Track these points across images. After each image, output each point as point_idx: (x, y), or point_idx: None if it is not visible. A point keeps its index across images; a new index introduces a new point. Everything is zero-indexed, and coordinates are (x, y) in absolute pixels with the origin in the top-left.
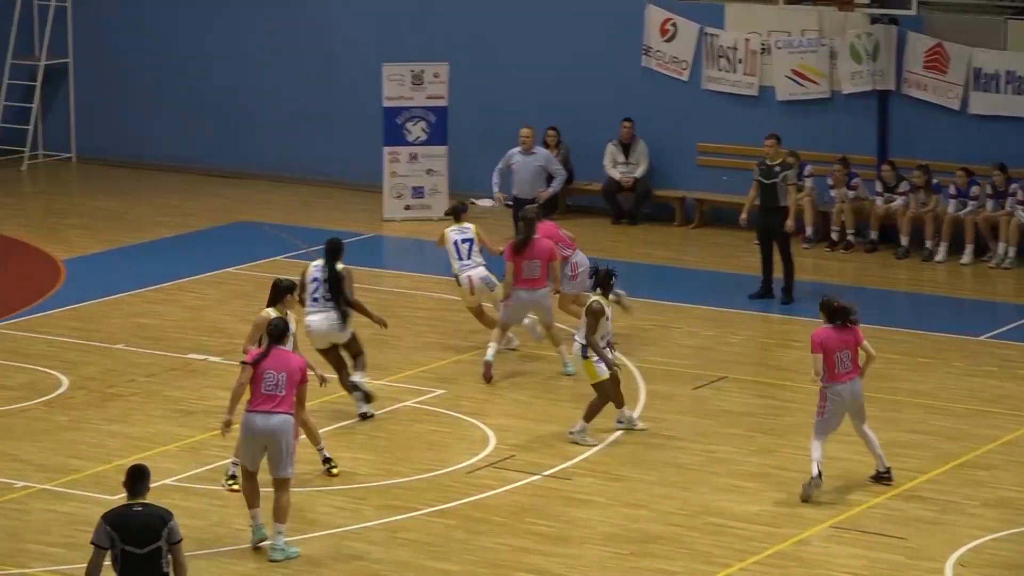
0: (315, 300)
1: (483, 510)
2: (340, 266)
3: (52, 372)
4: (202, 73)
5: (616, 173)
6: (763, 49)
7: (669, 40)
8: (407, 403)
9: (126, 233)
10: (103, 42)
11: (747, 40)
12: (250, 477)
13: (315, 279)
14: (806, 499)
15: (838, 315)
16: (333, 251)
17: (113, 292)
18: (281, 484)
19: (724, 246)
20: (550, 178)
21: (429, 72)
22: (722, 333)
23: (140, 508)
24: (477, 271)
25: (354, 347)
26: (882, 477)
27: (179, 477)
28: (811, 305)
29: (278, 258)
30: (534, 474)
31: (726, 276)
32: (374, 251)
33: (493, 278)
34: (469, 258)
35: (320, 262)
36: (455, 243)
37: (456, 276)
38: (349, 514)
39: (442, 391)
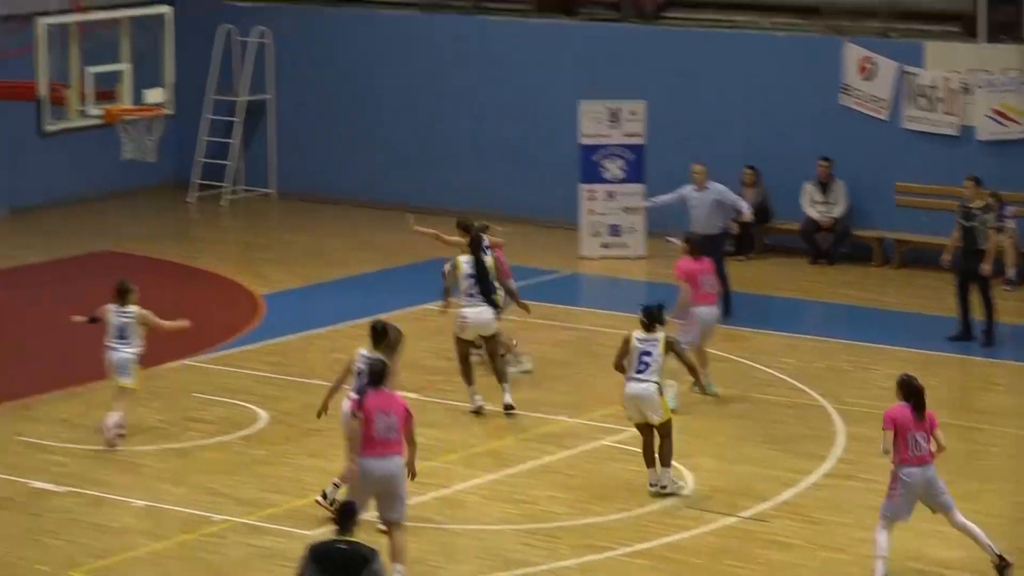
0: (470, 296)
1: (680, 551)
2: (488, 258)
3: (250, 406)
4: (401, 110)
5: (814, 212)
6: (964, 88)
7: (868, 79)
8: (603, 442)
9: (324, 268)
10: (304, 78)
11: (947, 79)
12: None
13: (468, 275)
14: None
15: (915, 395)
16: (477, 242)
17: (311, 327)
18: (394, 526)
19: (923, 287)
20: (727, 213)
21: (626, 110)
22: (921, 375)
23: (345, 545)
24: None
25: (492, 345)
26: (1001, 568)
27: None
28: (1013, 349)
29: None
30: (732, 515)
31: (926, 318)
32: (570, 289)
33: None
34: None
35: (468, 257)
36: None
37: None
38: (545, 553)
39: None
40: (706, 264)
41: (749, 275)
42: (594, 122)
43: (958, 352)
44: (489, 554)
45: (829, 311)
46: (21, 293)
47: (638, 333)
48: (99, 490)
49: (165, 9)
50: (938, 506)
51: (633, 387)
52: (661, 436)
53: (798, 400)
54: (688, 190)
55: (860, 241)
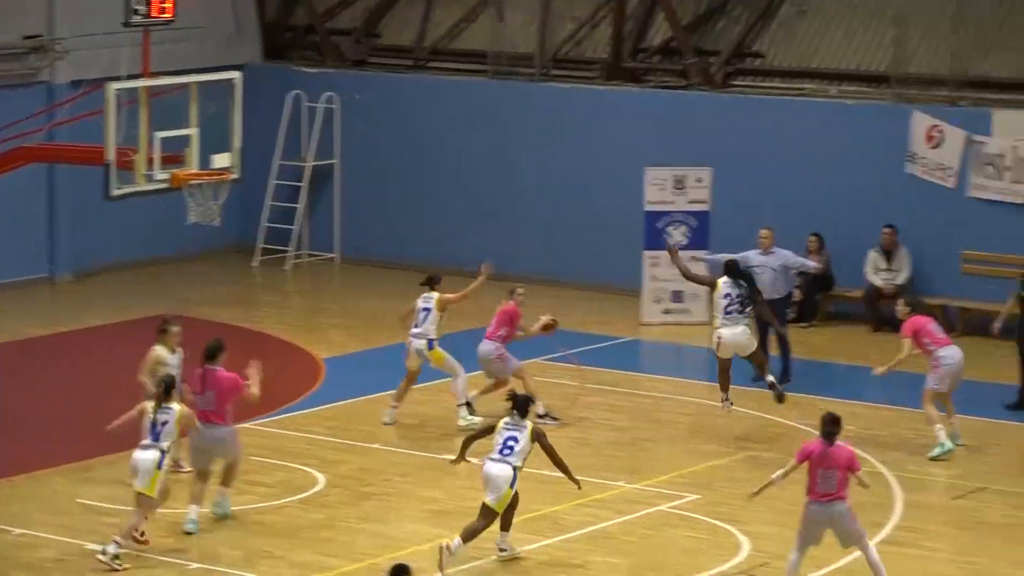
0: (728, 313)
1: None
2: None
3: (308, 470)
4: (466, 176)
5: (877, 280)
6: None
7: (935, 147)
8: (661, 507)
9: (385, 332)
10: (369, 144)
11: (1015, 147)
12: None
13: (727, 295)
14: None
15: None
16: (733, 270)
17: (371, 391)
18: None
19: (986, 355)
20: (790, 280)
21: (692, 176)
22: (983, 443)
23: None
24: (417, 341)
25: (758, 356)
26: None
27: None
28: None
29: (538, 359)
30: None
31: (987, 385)
32: (632, 355)
33: (425, 351)
34: (420, 327)
35: (727, 279)
36: (419, 310)
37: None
38: None
39: (697, 496)
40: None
41: (812, 342)
42: (659, 189)
43: (1019, 420)
44: None
45: (893, 378)
46: (84, 355)
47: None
48: (153, 552)
49: (235, 75)
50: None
51: (490, 467)
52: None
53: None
54: (753, 254)
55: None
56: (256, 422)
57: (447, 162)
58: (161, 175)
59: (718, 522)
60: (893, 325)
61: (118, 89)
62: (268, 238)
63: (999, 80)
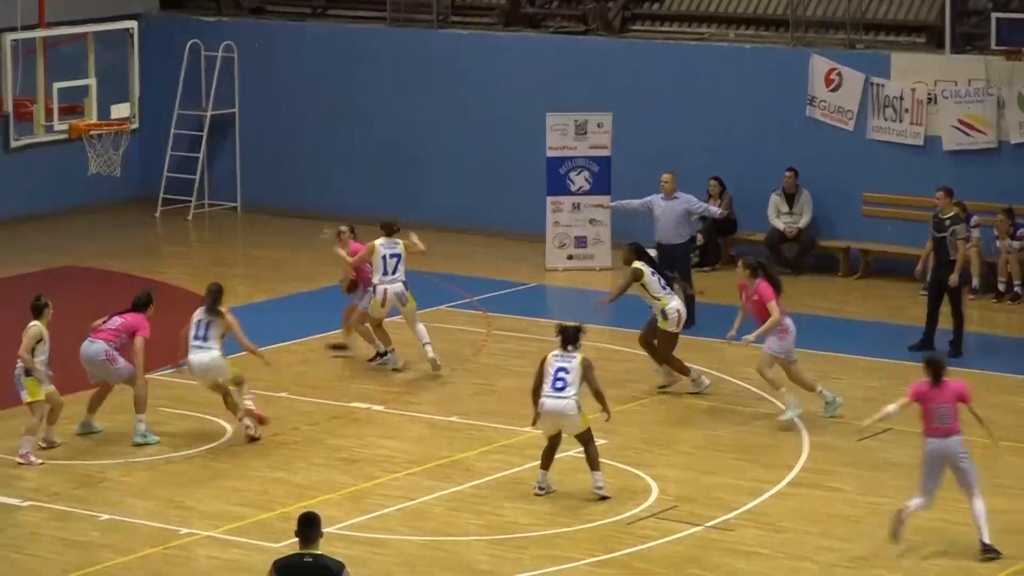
0: (664, 289)
1: (645, 560)
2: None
3: (216, 420)
4: (367, 124)
5: (780, 223)
6: (929, 99)
7: (834, 90)
8: (569, 453)
9: (289, 283)
10: (269, 93)
11: (913, 90)
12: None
13: (653, 274)
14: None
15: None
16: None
17: (276, 341)
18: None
19: (888, 297)
20: (693, 224)
21: (593, 122)
22: (887, 385)
23: (311, 559)
24: (395, 286)
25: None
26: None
27: (342, 525)
28: (979, 358)
29: (442, 307)
30: (696, 525)
31: (890, 327)
32: (536, 301)
33: (407, 295)
34: (394, 273)
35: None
36: (383, 257)
37: (374, 287)
38: (509, 564)
39: (604, 440)
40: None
41: (715, 286)
42: (560, 134)
43: (920, 361)
44: (455, 565)
45: (794, 321)
46: None
47: (556, 352)
48: (63, 504)
49: (131, 24)
50: None
51: (551, 403)
52: (584, 443)
53: (763, 410)
54: (656, 199)
55: (826, 252)
56: (163, 372)
57: (347, 110)
58: (60, 126)
59: (626, 466)
60: (795, 269)
61: (14, 40)
62: (169, 188)
63: (897, 23)
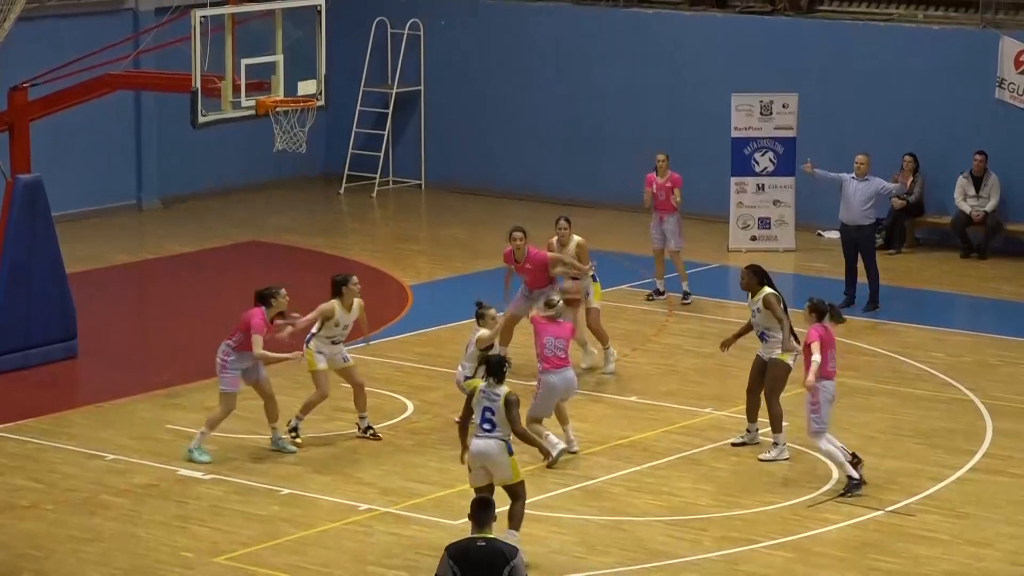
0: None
1: (823, 544)
2: None
3: (398, 396)
4: (551, 102)
5: (966, 206)
6: None
7: None
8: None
9: (473, 260)
10: (455, 70)
11: None
12: None
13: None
14: None
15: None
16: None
17: (459, 318)
18: None
19: None
20: (879, 207)
21: (778, 102)
22: None
23: (484, 543)
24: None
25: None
26: None
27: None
28: None
29: (623, 286)
30: (877, 509)
31: None
32: (719, 281)
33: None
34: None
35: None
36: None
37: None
38: (687, 545)
39: (787, 423)
40: None
41: (899, 268)
42: (745, 115)
43: None
44: (632, 544)
45: (979, 305)
46: (169, 282)
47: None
48: (245, 478)
49: (319, 1)
50: None
51: (476, 443)
52: (512, 497)
53: (947, 395)
54: (847, 178)
55: (1012, 236)
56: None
57: (532, 88)
58: (247, 102)
59: (807, 449)
60: (981, 252)
61: (203, 16)
62: (354, 165)
63: None
